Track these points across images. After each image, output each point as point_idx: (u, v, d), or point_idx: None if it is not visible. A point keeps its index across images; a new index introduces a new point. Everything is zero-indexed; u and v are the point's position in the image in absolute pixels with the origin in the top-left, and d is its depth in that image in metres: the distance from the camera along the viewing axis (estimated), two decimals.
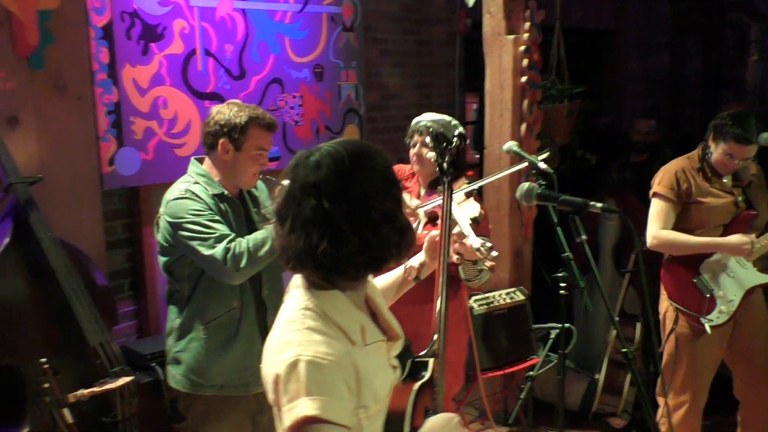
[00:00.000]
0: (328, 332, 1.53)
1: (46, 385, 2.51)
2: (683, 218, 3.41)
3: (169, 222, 2.59)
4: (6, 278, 2.68)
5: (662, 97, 7.40)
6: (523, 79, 4.24)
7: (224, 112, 2.64)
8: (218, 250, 2.49)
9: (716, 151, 3.36)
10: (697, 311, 3.38)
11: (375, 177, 1.56)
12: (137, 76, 3.67)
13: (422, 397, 1.76)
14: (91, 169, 3.47)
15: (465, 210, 2.97)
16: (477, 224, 3.01)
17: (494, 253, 2.55)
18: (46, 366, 2.51)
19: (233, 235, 2.55)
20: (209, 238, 2.51)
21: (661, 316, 3.57)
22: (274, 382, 1.52)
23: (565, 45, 5.08)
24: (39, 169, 3.13)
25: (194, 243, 2.53)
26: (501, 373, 4.03)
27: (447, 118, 3.15)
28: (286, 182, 2.69)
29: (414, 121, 3.21)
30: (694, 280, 3.40)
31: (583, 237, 2.22)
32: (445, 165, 2.27)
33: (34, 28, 3.22)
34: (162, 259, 2.71)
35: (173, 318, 2.75)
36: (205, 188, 2.63)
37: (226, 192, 2.67)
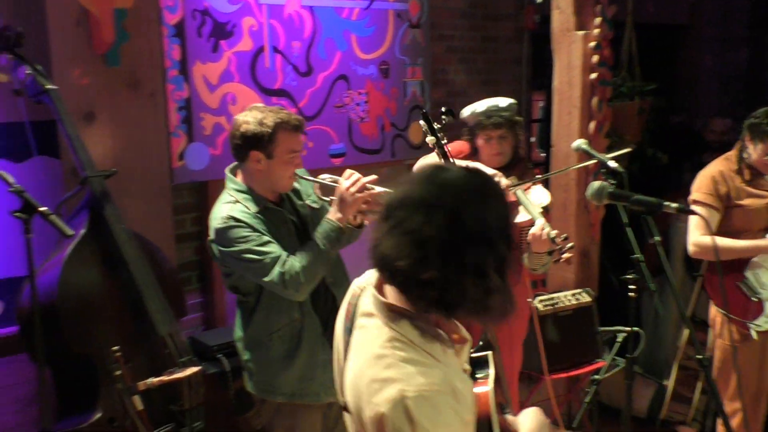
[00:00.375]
0: (421, 360, 1.46)
1: (118, 373, 2.58)
2: (725, 222, 3.29)
3: (221, 251, 2.60)
4: (82, 268, 2.76)
5: (739, 95, 7.14)
6: (593, 75, 4.15)
7: (249, 121, 2.56)
8: (274, 276, 2.49)
9: (755, 151, 3.23)
10: (743, 316, 3.26)
11: (488, 223, 1.44)
12: (207, 72, 3.74)
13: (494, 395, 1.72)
14: (161, 163, 3.56)
15: (534, 197, 2.92)
16: (547, 212, 2.96)
17: (570, 244, 2.50)
18: (118, 354, 2.59)
19: (284, 254, 2.53)
20: (263, 266, 2.50)
21: (710, 321, 3.47)
22: (377, 423, 1.42)
23: (636, 41, 4.95)
24: (113, 163, 3.22)
25: (249, 272, 2.55)
26: (565, 375, 3.96)
27: (496, 101, 3.16)
28: (320, 176, 2.71)
29: (474, 112, 3.20)
30: (739, 285, 3.28)
31: (657, 238, 2.16)
32: (438, 139, 2.32)
33: (110, 26, 3.31)
34: (224, 278, 2.75)
35: (240, 325, 2.78)
36: (246, 207, 2.59)
37: (267, 204, 2.64)
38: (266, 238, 2.54)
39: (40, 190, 3.02)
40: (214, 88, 3.76)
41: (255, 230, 2.53)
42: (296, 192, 2.79)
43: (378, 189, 2.52)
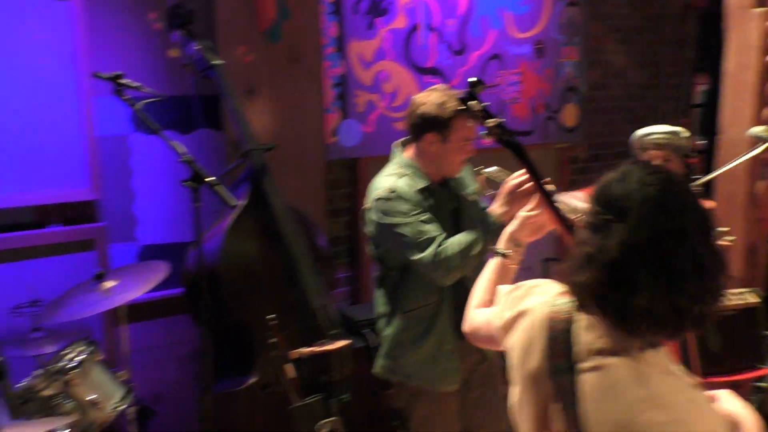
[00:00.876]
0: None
1: (273, 341, 2.67)
2: None
3: (377, 223, 2.60)
4: (242, 238, 2.88)
5: None
6: None
7: (429, 103, 2.54)
8: (427, 255, 2.46)
9: None
10: None
11: (695, 214, 1.32)
12: (362, 50, 3.78)
13: None
14: (316, 139, 3.64)
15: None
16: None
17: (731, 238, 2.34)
18: (274, 323, 2.68)
19: (442, 236, 2.50)
20: (418, 243, 2.48)
21: None
22: None
23: None
24: (271, 138, 3.32)
25: (403, 247, 2.54)
26: (722, 380, 3.71)
27: (674, 128, 2.94)
28: (488, 169, 2.64)
29: (638, 134, 3.01)
30: None
31: None
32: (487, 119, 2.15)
33: (272, 3, 3.41)
34: (371, 249, 2.76)
35: (381, 303, 2.79)
36: (411, 183, 2.58)
37: (431, 184, 2.62)
38: (426, 216, 2.53)
39: (203, 162, 3.16)
40: (368, 66, 3.79)
41: (416, 206, 2.53)
42: (457, 180, 2.77)
43: (564, 200, 2.41)
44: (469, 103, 2.12)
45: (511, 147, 2.09)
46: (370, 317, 3.38)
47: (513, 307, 1.50)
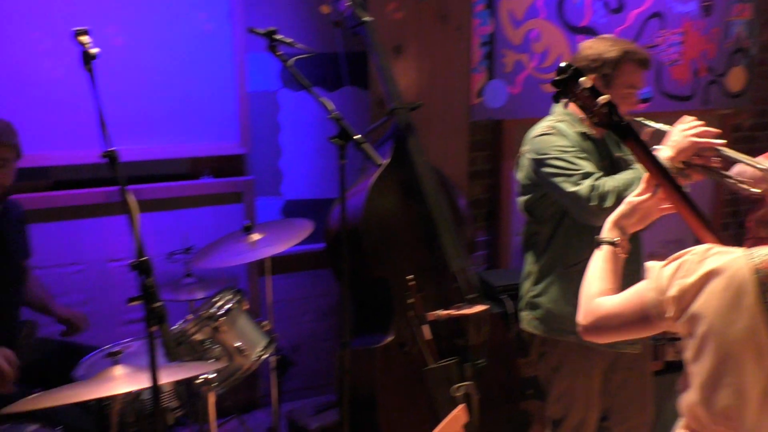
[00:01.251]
0: None
1: (411, 301, 2.67)
2: None
3: (532, 159, 2.52)
4: (384, 196, 2.88)
5: None
6: None
7: (595, 46, 2.47)
8: (583, 187, 2.37)
9: None
10: None
11: None
12: (513, 7, 3.64)
13: None
14: (461, 99, 3.56)
15: None
16: None
17: None
18: (412, 283, 2.67)
19: (599, 173, 2.41)
20: (574, 175, 2.39)
21: None
22: None
23: None
24: (416, 97, 3.29)
25: (558, 179, 2.44)
26: None
27: None
28: (656, 125, 2.47)
29: None
30: None
31: None
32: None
33: None
34: (522, 199, 2.66)
35: (531, 262, 2.70)
36: (571, 125, 2.51)
37: (591, 134, 2.52)
38: (583, 154, 2.45)
39: (347, 119, 3.18)
40: (518, 24, 3.65)
41: (575, 146, 2.45)
42: (616, 139, 2.62)
43: (728, 151, 2.22)
44: (580, 80, 1.86)
45: (625, 132, 1.85)
46: (508, 283, 3.33)
47: (690, 274, 1.39)
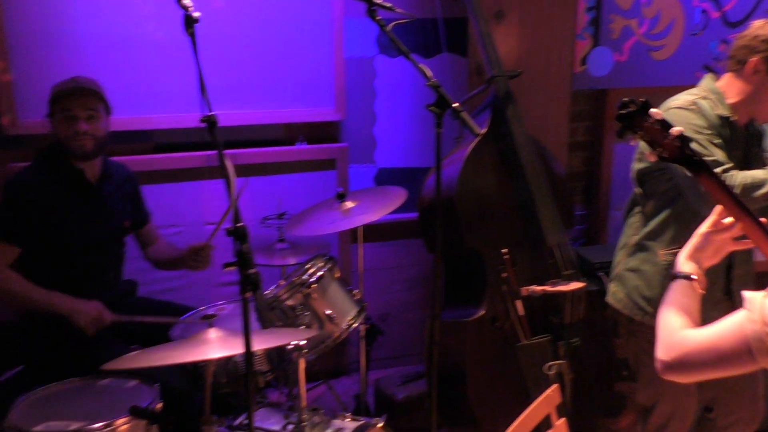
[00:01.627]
0: None
1: (505, 275, 2.60)
2: None
3: None
4: (480, 167, 2.80)
5: None
6: None
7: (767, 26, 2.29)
8: None
9: None
10: None
11: None
12: None
13: None
14: (563, 67, 3.42)
15: None
16: None
17: None
18: (506, 256, 2.60)
19: (730, 165, 2.24)
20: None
21: None
22: None
23: None
24: (516, 64, 3.17)
25: None
26: None
27: None
28: None
29: None
30: None
31: None
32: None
33: None
34: (637, 166, 2.52)
35: (630, 234, 2.58)
36: (714, 106, 2.35)
37: (733, 117, 2.36)
38: (718, 141, 2.30)
39: (444, 87, 3.11)
40: None
41: (712, 128, 2.30)
42: (758, 134, 2.46)
43: None
44: (650, 111, 1.66)
45: (698, 167, 1.67)
46: (606, 260, 3.19)
47: None
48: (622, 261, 2.58)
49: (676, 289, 1.61)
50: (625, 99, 1.61)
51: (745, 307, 1.37)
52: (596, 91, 3.60)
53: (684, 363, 1.46)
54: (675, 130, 1.61)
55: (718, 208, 1.63)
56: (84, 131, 2.52)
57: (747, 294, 1.40)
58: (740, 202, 1.61)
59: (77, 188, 2.60)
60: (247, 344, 1.74)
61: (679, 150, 1.63)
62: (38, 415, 2.03)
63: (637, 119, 1.60)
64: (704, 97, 2.36)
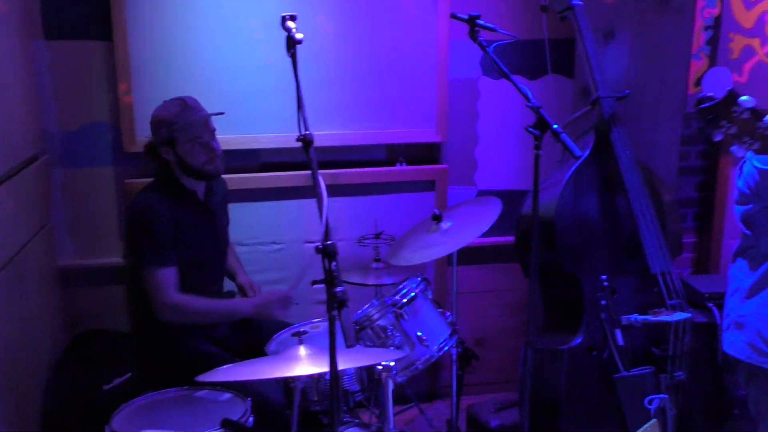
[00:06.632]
0: None
1: (604, 303, 2.50)
2: None
3: (758, 169, 2.22)
4: (582, 190, 2.72)
5: None
6: None
7: None
8: None
9: None
10: None
11: None
12: None
13: None
14: (677, 88, 3.27)
15: None
16: None
17: None
18: (606, 284, 2.50)
19: None
20: None
21: None
22: None
23: None
24: (626, 85, 3.06)
25: None
26: None
27: None
28: None
29: None
30: None
31: None
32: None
33: None
34: (740, 209, 2.38)
35: (742, 277, 2.41)
36: None
37: None
38: None
39: (548, 108, 3.05)
40: (751, 6, 3.30)
41: None
42: None
43: None
44: (740, 99, 1.49)
45: None
46: (717, 290, 3.02)
47: None
48: (735, 307, 2.42)
49: None
50: (702, 95, 1.49)
51: None
52: None
53: None
54: None
55: None
56: (217, 155, 2.64)
57: None
58: None
59: (193, 207, 2.70)
60: (333, 362, 1.75)
61: None
62: (136, 423, 2.11)
63: (722, 111, 1.48)
64: None
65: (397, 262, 2.77)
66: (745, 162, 2.32)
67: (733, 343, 2.41)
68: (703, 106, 1.51)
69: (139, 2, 2.95)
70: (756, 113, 1.49)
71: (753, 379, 2.37)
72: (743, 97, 1.49)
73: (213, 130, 2.66)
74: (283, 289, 2.68)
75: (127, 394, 2.33)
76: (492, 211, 2.74)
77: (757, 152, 1.52)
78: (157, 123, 2.63)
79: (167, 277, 2.57)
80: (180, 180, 2.67)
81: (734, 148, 1.54)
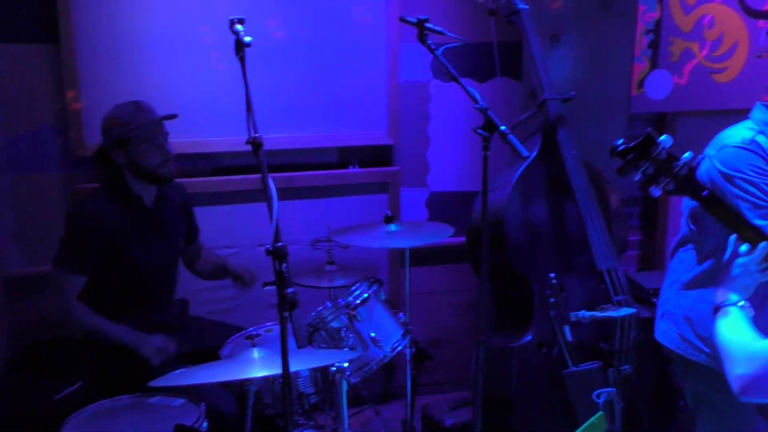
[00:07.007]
0: None
1: (553, 300, 2.56)
2: None
3: (719, 171, 2.28)
4: (530, 191, 2.78)
5: None
6: None
7: None
8: None
9: None
10: None
11: None
12: None
13: None
14: (620, 90, 3.38)
15: None
16: None
17: None
18: (554, 281, 2.56)
19: None
20: (764, 207, 2.15)
21: None
22: None
23: None
24: (571, 88, 3.14)
25: (743, 205, 2.18)
26: None
27: None
28: None
29: None
30: None
31: None
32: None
33: None
34: (690, 202, 2.44)
35: (682, 270, 2.47)
36: None
37: None
38: None
39: (497, 111, 3.10)
40: (689, 10, 3.40)
41: None
42: None
43: None
44: (659, 139, 1.57)
45: (707, 200, 1.59)
46: (660, 286, 3.11)
47: None
48: (671, 298, 2.49)
49: (727, 317, 1.58)
50: (619, 141, 1.58)
51: None
52: (655, 114, 3.53)
53: (760, 383, 1.42)
54: (686, 157, 1.55)
55: (733, 239, 1.59)
56: (170, 158, 2.61)
57: None
58: (753, 228, 1.56)
59: (138, 214, 2.65)
60: (285, 363, 1.76)
61: (688, 178, 1.58)
62: (88, 431, 2.09)
63: (643, 151, 1.54)
64: (761, 132, 2.24)
65: (345, 240, 2.83)
66: (703, 158, 2.36)
67: (665, 333, 2.46)
68: (621, 147, 1.58)
69: (86, 5, 2.91)
70: (672, 154, 1.57)
71: (688, 371, 2.43)
72: (662, 137, 1.56)
73: (166, 133, 2.63)
74: (161, 338, 2.58)
75: (79, 404, 2.29)
76: (442, 233, 2.78)
77: (673, 193, 1.60)
78: (109, 124, 2.58)
79: (72, 282, 2.55)
80: (129, 185, 2.63)
81: (652, 189, 1.61)
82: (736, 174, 2.17)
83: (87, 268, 2.56)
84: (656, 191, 1.60)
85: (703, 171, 2.31)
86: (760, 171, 2.16)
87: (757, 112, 2.30)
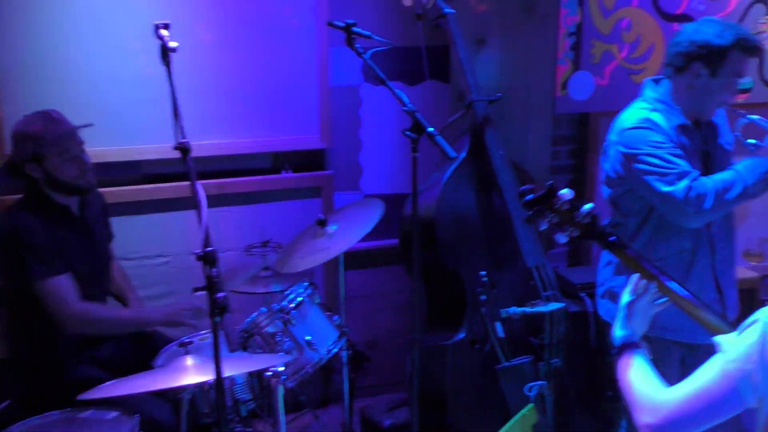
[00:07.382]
0: None
1: (484, 298, 2.62)
2: None
3: (623, 153, 2.40)
4: (460, 190, 2.84)
5: None
6: None
7: (704, 31, 2.31)
8: (679, 188, 2.26)
9: None
10: None
11: None
12: None
13: None
14: (544, 92, 3.47)
15: None
16: None
17: None
18: (485, 279, 2.62)
19: (696, 173, 2.28)
20: (669, 174, 2.27)
21: None
22: None
23: None
24: (498, 89, 3.21)
25: (651, 178, 2.32)
26: None
27: None
28: (755, 118, 2.32)
29: None
30: None
31: None
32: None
33: None
34: (607, 190, 2.57)
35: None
36: (665, 118, 2.38)
37: (688, 122, 2.39)
38: (679, 151, 2.33)
39: (427, 113, 3.15)
40: (608, 14, 3.52)
41: (671, 141, 2.33)
42: (712, 127, 2.49)
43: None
44: (560, 193, 1.65)
45: (613, 245, 1.70)
46: (588, 281, 3.21)
47: (742, 332, 1.36)
48: (608, 278, 2.59)
49: (632, 366, 1.62)
50: (523, 189, 1.68)
51: (720, 350, 1.40)
52: (578, 114, 3.64)
53: (675, 420, 1.45)
54: (587, 207, 1.66)
55: (633, 276, 1.69)
56: (88, 167, 2.54)
57: (718, 338, 1.42)
58: (652, 266, 1.67)
59: (68, 223, 2.59)
60: (217, 367, 1.76)
61: (591, 226, 1.68)
62: None
63: (546, 203, 1.65)
64: (654, 110, 2.39)
65: (286, 270, 2.78)
66: (609, 145, 2.49)
67: (608, 311, 2.56)
68: (526, 199, 1.68)
69: (4, 9, 2.83)
70: (574, 205, 1.67)
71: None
72: (563, 191, 1.67)
73: (81, 143, 2.57)
74: (182, 301, 2.59)
75: (7, 423, 2.23)
76: (375, 211, 2.80)
77: (580, 239, 1.70)
78: (20, 138, 2.48)
79: (62, 284, 2.46)
80: (50, 196, 2.56)
81: (558, 236, 1.71)
82: (638, 151, 2.33)
83: (62, 264, 2.47)
84: (562, 238, 1.71)
85: (611, 156, 2.45)
86: (660, 144, 2.31)
87: (648, 90, 2.46)
